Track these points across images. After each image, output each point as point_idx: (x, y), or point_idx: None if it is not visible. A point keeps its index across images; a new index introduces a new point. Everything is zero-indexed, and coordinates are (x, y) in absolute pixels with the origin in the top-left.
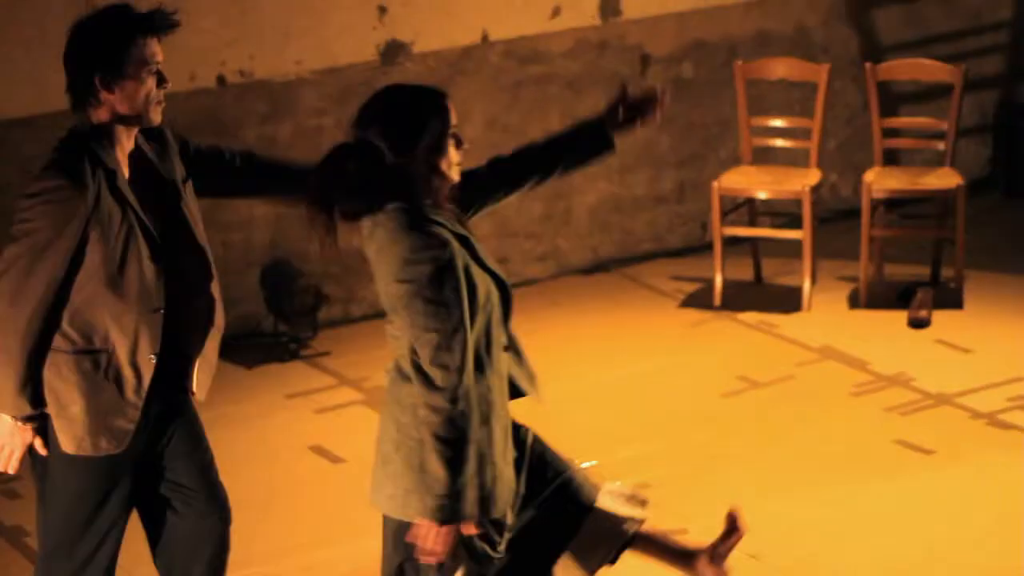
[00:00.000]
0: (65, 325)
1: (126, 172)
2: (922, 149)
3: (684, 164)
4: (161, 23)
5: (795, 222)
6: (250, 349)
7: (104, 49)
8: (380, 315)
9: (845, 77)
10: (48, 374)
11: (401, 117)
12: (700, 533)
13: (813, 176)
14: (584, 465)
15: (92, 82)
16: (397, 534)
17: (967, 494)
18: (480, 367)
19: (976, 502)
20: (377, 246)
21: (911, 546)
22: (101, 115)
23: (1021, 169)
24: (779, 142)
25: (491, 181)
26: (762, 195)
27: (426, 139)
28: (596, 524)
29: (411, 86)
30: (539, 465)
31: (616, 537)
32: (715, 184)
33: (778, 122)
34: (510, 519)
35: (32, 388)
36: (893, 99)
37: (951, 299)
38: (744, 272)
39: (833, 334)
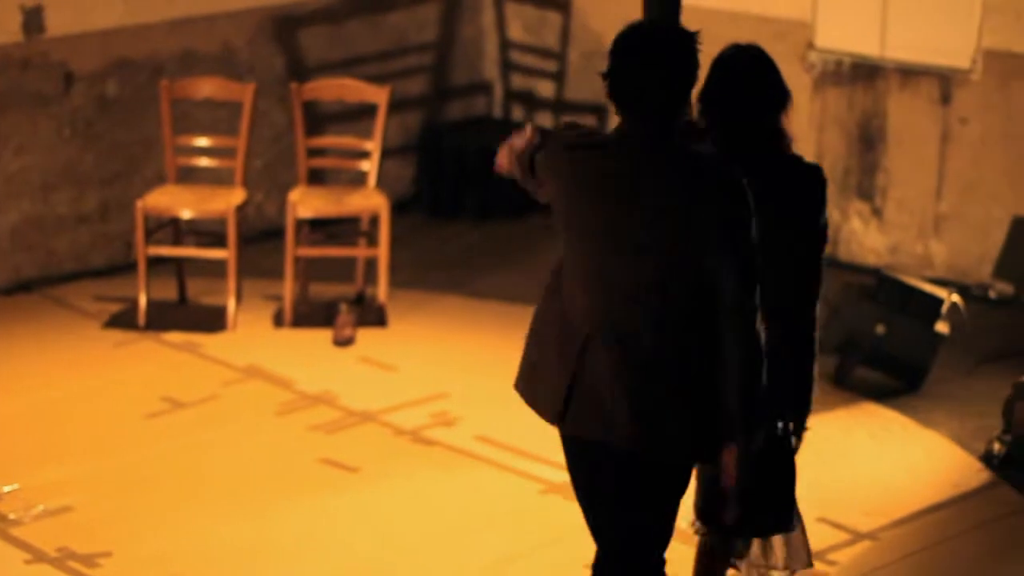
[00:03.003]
0: None
1: None
2: (348, 169)
3: (108, 183)
4: None
5: (220, 241)
6: None
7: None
8: None
9: (271, 97)
10: None
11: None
12: (126, 558)
13: (238, 195)
14: (6, 489)
15: (688, 100)
16: None
17: (392, 510)
18: None
19: (401, 518)
20: None
21: (337, 564)
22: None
23: (444, 189)
24: (204, 161)
25: None
26: (187, 214)
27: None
28: None
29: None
30: None
31: None
32: (139, 203)
33: (203, 141)
34: None
35: None
36: (319, 119)
37: (375, 317)
38: (169, 292)
39: (258, 353)
